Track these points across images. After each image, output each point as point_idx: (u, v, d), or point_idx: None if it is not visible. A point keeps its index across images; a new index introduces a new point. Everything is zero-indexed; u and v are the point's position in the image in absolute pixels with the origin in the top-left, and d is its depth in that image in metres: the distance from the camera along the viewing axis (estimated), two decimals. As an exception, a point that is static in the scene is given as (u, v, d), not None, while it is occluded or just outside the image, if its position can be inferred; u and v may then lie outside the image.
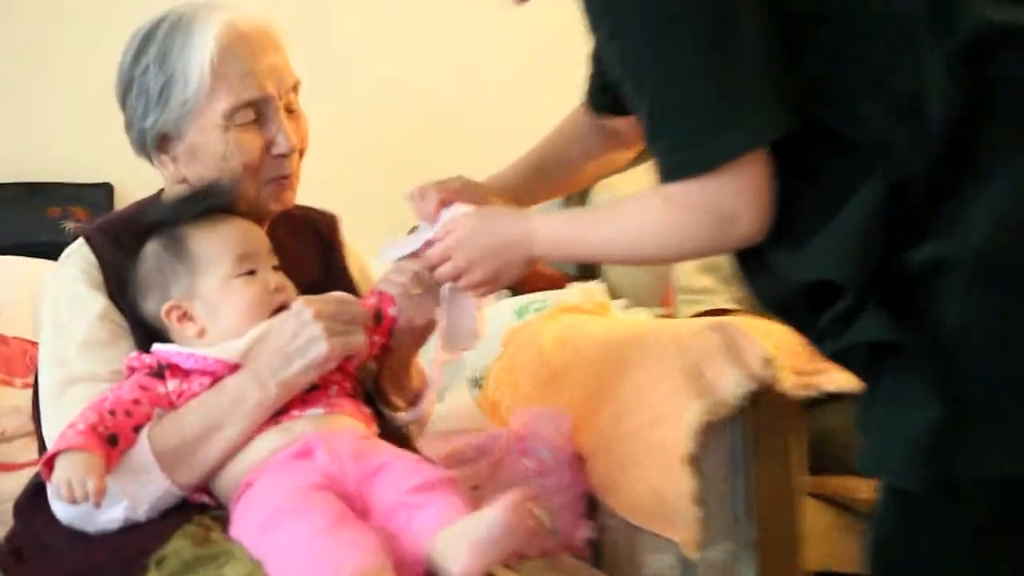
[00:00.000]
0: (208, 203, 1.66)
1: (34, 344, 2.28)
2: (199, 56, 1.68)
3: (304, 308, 1.60)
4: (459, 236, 1.65)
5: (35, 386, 1.73)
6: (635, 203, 1.46)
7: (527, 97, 3.42)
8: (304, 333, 1.59)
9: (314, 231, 1.92)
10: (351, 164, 3.33)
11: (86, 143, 3.15)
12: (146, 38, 1.73)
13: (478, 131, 3.46)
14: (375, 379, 1.82)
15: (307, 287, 1.71)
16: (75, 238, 1.77)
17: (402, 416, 1.83)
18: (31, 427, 1.79)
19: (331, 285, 1.77)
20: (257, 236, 1.69)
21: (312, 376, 1.59)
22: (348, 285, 1.86)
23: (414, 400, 1.86)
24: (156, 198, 1.82)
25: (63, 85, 3.23)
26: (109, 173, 3.25)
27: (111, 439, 1.51)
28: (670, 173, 1.36)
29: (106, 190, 3.27)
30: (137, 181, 1.88)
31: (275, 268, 1.68)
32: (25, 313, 2.43)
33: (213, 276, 1.63)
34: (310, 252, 1.89)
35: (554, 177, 1.91)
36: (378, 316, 1.71)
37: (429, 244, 1.68)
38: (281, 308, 1.63)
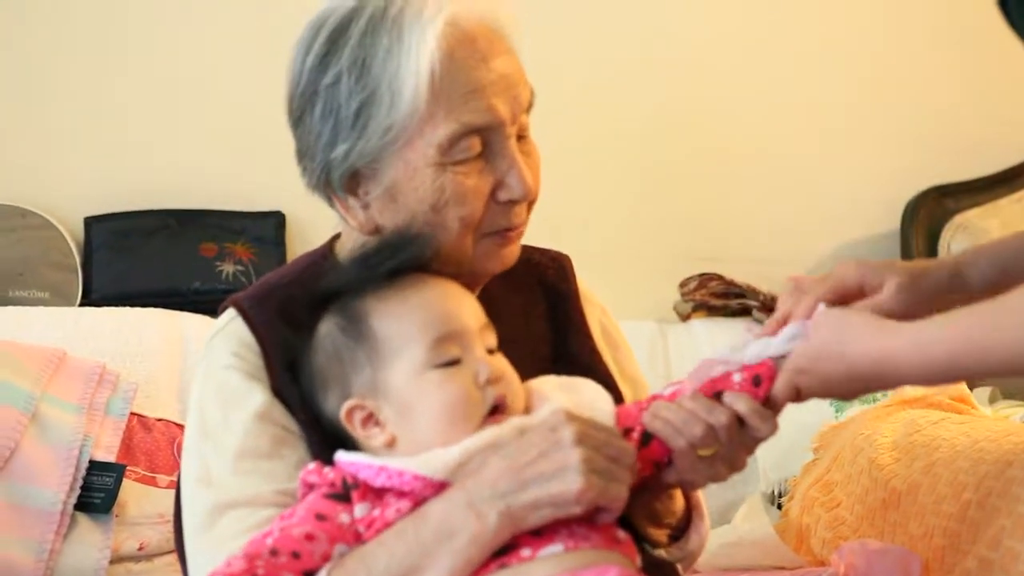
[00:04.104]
0: (399, 260, 1.49)
1: (182, 427, 2.41)
2: (414, 65, 1.50)
3: (565, 424, 1.41)
4: (805, 359, 1.46)
5: (177, 499, 1.59)
6: None
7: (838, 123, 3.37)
8: (555, 457, 1.39)
9: (538, 280, 1.74)
10: (576, 189, 3.20)
11: (251, 160, 3.10)
12: (337, 35, 1.53)
13: (759, 159, 3.34)
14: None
15: (534, 362, 1.56)
16: (224, 309, 1.61)
17: (663, 555, 1.63)
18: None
19: (567, 354, 1.67)
20: (464, 307, 1.51)
21: (546, 516, 1.40)
22: (590, 352, 1.71)
23: (679, 532, 1.65)
24: (327, 251, 1.67)
25: (221, 90, 3.16)
26: (280, 199, 3.15)
27: None
28: None
29: (276, 221, 3.17)
30: (316, 211, 1.69)
31: (491, 351, 1.51)
32: (171, 385, 2.44)
33: (401, 367, 1.47)
34: (535, 311, 1.71)
35: None
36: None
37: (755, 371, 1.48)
38: (496, 409, 1.47)
